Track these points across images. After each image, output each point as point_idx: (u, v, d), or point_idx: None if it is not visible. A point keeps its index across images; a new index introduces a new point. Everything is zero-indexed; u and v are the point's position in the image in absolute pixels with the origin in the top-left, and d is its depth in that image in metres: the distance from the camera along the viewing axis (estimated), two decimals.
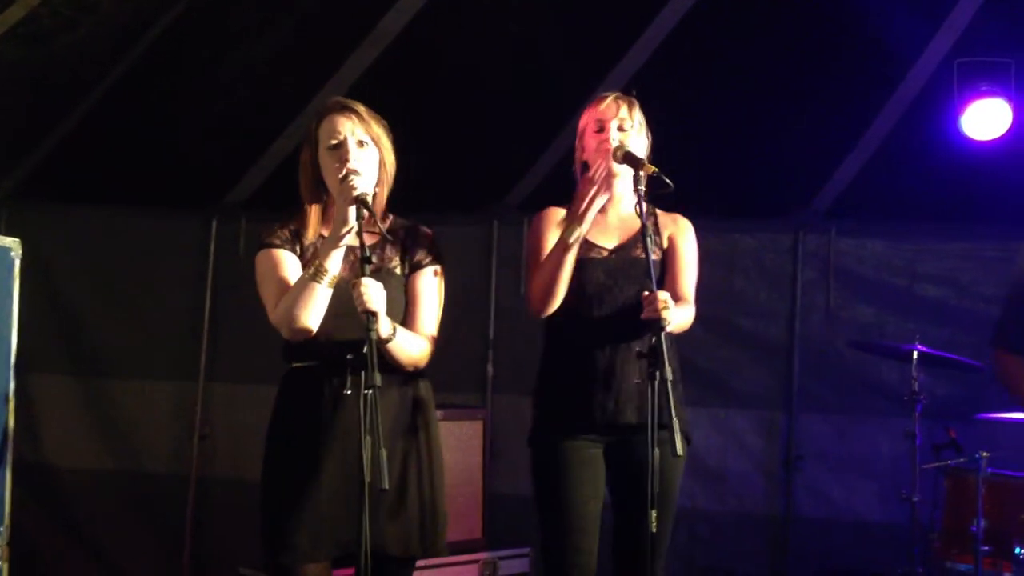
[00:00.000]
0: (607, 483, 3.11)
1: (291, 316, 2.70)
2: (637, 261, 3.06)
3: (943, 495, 4.25)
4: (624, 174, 3.05)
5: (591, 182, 2.96)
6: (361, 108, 2.85)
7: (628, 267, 3.07)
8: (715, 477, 5.26)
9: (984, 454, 4.04)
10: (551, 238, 3.07)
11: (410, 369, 2.84)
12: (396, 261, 2.88)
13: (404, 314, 2.85)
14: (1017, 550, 3.97)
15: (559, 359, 3.13)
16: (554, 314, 3.08)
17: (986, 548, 4.00)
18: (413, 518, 2.81)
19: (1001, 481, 4.06)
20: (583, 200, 2.95)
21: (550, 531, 3.06)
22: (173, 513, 5.30)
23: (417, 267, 2.89)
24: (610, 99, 3.11)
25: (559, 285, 2.99)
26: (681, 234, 3.19)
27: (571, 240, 2.96)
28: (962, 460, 4.18)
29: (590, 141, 3.10)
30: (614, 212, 3.15)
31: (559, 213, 3.13)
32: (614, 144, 3.04)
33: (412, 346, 2.82)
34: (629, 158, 2.99)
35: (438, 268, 2.92)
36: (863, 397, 5.16)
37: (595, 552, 3.04)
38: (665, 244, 3.17)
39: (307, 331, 2.72)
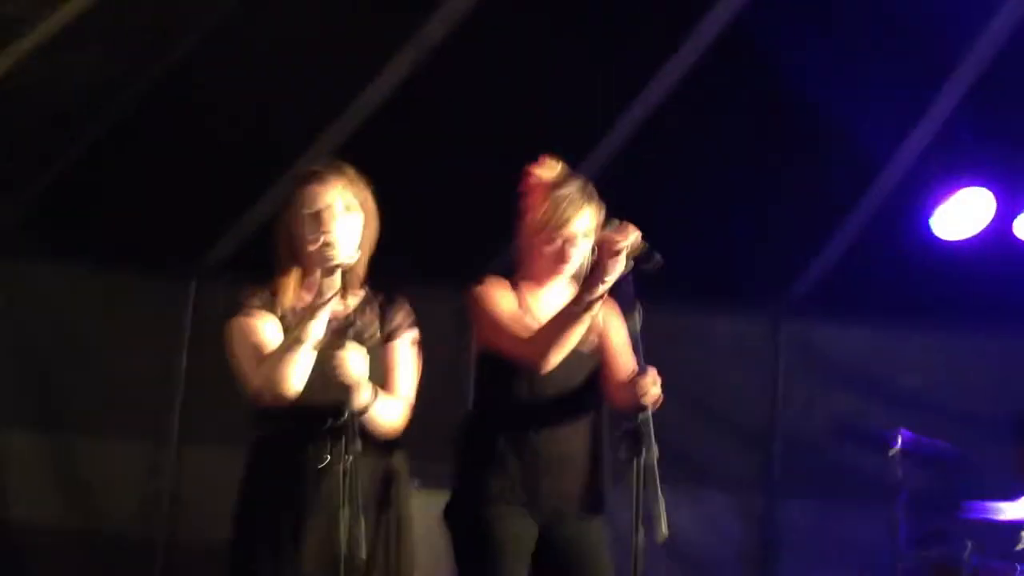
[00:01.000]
0: (536, 558, 2.99)
1: (275, 379, 2.62)
2: (586, 342, 2.99)
3: None
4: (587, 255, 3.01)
5: (602, 268, 2.83)
6: (349, 171, 2.82)
7: (579, 347, 2.96)
8: (691, 561, 5.15)
9: (969, 544, 3.98)
10: (513, 303, 3.02)
11: (388, 435, 2.77)
12: (374, 329, 2.83)
13: (382, 381, 2.80)
14: None
15: (496, 434, 3.00)
16: (491, 386, 3.04)
17: None
18: None
19: (986, 573, 3.99)
20: (594, 285, 2.84)
21: None
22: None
23: (394, 334, 2.85)
24: (573, 192, 3.03)
25: (566, 350, 2.90)
26: (614, 320, 3.11)
27: (583, 315, 2.85)
28: (946, 551, 4.12)
29: (544, 234, 3.00)
30: (554, 291, 3.09)
31: (502, 284, 3.07)
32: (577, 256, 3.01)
33: (390, 411, 2.77)
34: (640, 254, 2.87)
35: (415, 335, 2.89)
36: (844, 484, 5.11)
37: None
38: (603, 331, 3.10)
39: (292, 394, 2.64)
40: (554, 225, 3.02)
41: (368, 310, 2.84)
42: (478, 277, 5.34)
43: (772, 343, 5.36)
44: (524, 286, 3.08)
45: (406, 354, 2.86)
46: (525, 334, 2.95)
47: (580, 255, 3.03)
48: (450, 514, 3.03)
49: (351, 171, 2.83)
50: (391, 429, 2.77)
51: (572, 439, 2.99)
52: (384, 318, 2.85)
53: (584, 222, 3.02)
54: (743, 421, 5.32)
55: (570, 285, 3.08)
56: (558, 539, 2.98)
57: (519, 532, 2.94)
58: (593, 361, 3.06)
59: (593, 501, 3.01)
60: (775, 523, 5.18)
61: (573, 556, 2.97)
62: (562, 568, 2.98)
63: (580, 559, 2.98)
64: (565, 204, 3.02)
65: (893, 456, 4.25)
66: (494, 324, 3.01)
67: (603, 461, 2.74)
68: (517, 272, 3.12)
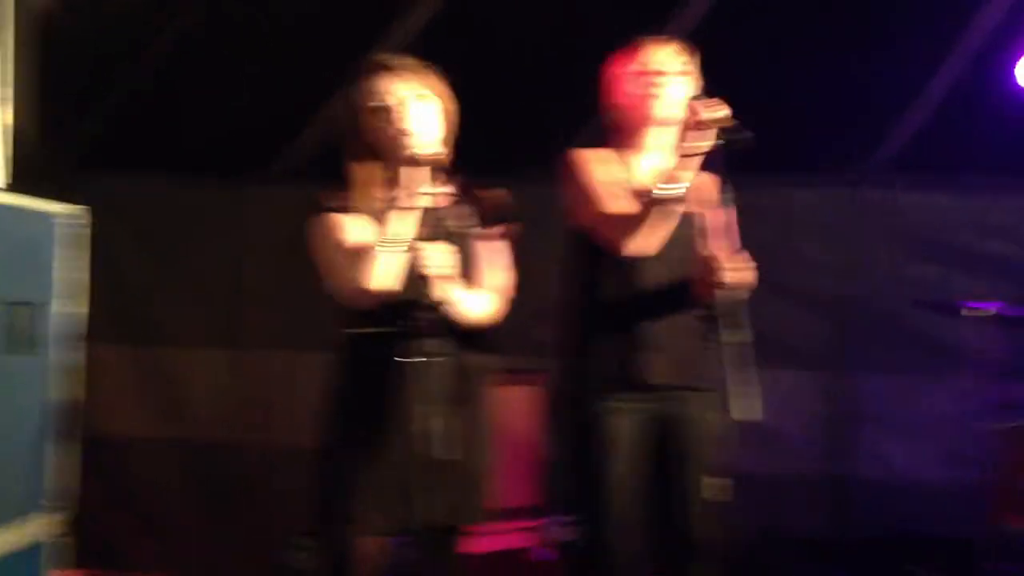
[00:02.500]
0: (649, 451, 3.01)
1: (360, 280, 2.62)
2: (686, 220, 2.94)
3: (1008, 456, 4.15)
4: (679, 122, 2.92)
5: (689, 139, 2.79)
6: (409, 62, 2.78)
7: (677, 225, 2.92)
8: (771, 438, 5.18)
9: None
10: (603, 174, 2.96)
11: (480, 328, 2.78)
12: (466, 221, 2.81)
13: (474, 275, 2.80)
14: None
15: (600, 321, 3.00)
16: (589, 267, 2.99)
17: None
18: (454, 487, 2.76)
19: None
20: (685, 158, 2.80)
21: (594, 504, 2.98)
22: (229, 482, 5.32)
23: (489, 223, 2.84)
24: (656, 44, 3.01)
25: (651, 234, 2.85)
26: (717, 196, 3.05)
27: (663, 196, 2.79)
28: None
29: (631, 87, 2.99)
30: (650, 159, 3.03)
31: (595, 153, 3.02)
32: (675, 95, 2.93)
33: (480, 305, 2.77)
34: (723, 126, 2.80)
35: (509, 228, 2.86)
36: (925, 356, 5.05)
37: (639, 525, 2.96)
38: (706, 210, 3.05)
39: (376, 295, 2.64)
40: (640, 66, 2.97)
41: (459, 203, 2.82)
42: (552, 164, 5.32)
43: (852, 212, 5.24)
44: (618, 156, 3.03)
45: (499, 248, 2.85)
46: (611, 208, 2.89)
47: (670, 96, 2.94)
48: (560, 409, 3.06)
49: (416, 62, 2.79)
50: (482, 322, 2.78)
51: (676, 312, 2.95)
52: (478, 208, 2.83)
53: (669, 60, 2.95)
54: (823, 295, 5.25)
55: (669, 154, 2.96)
56: (668, 420, 2.97)
57: (625, 429, 2.94)
58: (696, 226, 2.98)
59: (701, 375, 2.97)
60: (855, 396, 5.16)
61: (680, 436, 2.96)
62: (671, 449, 2.98)
63: (680, 436, 2.97)
64: (646, 46, 3.00)
65: (974, 325, 4.19)
66: (580, 196, 2.96)
67: (711, 339, 2.70)
68: (610, 144, 3.06)
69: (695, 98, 2.86)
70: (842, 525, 5.10)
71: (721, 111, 2.77)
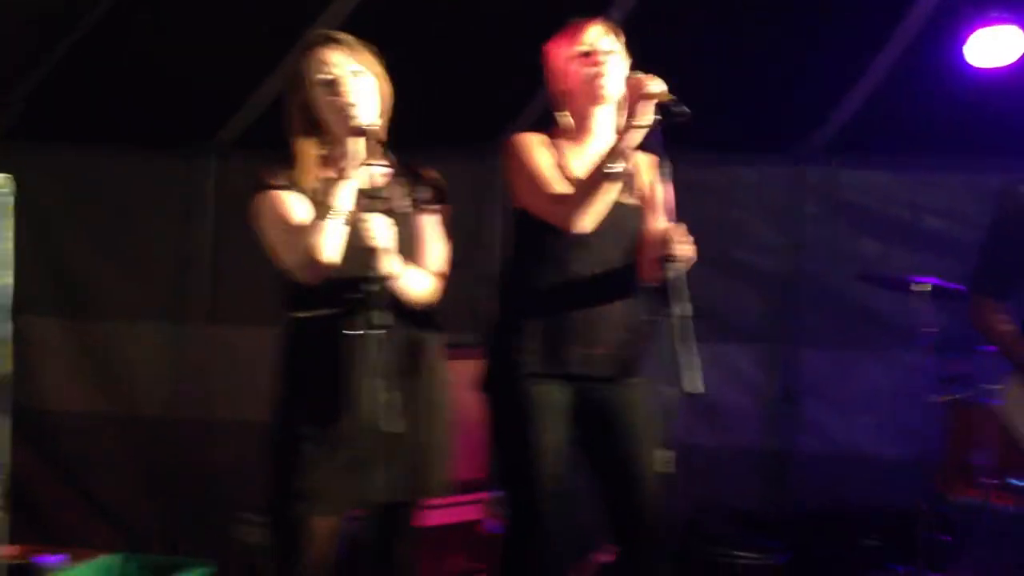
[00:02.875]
0: (578, 428, 3.02)
1: (311, 252, 2.61)
2: (623, 206, 2.96)
3: (947, 428, 4.24)
4: (620, 99, 2.94)
5: (630, 114, 2.81)
6: (349, 38, 2.78)
7: (615, 211, 2.93)
8: (713, 412, 5.25)
9: (989, 386, 4.01)
10: (547, 160, 2.97)
11: (418, 307, 2.78)
12: (404, 199, 2.82)
13: (412, 252, 2.80)
14: (1014, 482, 3.97)
15: (531, 303, 3.00)
16: (526, 254, 3.01)
17: (990, 481, 3.99)
18: (406, 463, 2.76)
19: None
20: (625, 133, 2.81)
21: (518, 479, 2.98)
22: (170, 457, 5.27)
23: (424, 205, 2.84)
24: (597, 25, 3.01)
25: (599, 210, 2.86)
26: (655, 177, 3.06)
27: (609, 171, 2.80)
28: (966, 393, 4.16)
29: (576, 68, 2.98)
30: (595, 143, 3.02)
31: (539, 137, 3.02)
32: (612, 73, 2.94)
33: (419, 283, 2.78)
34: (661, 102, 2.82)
35: (444, 207, 2.88)
36: (865, 330, 5.14)
37: (554, 488, 2.97)
38: (647, 190, 3.06)
39: (328, 266, 2.63)
40: (579, 48, 2.97)
41: (396, 180, 2.82)
42: (500, 139, 5.30)
43: (795, 190, 5.31)
44: (563, 144, 3.03)
45: (435, 224, 2.85)
46: (556, 190, 2.91)
47: (612, 75, 2.95)
48: (486, 384, 3.04)
49: (351, 38, 2.79)
50: (421, 299, 2.78)
51: (611, 302, 2.96)
52: (414, 188, 2.83)
53: (607, 40, 2.97)
54: (765, 271, 5.31)
55: (613, 132, 2.98)
56: (593, 402, 2.99)
57: (555, 397, 2.95)
58: (636, 219, 3.01)
59: (630, 366, 3.00)
60: (798, 372, 5.23)
61: (608, 418, 2.98)
62: (598, 429, 2.99)
63: (615, 421, 2.99)
64: (585, 27, 2.99)
65: (915, 299, 4.26)
66: (526, 178, 2.96)
67: (643, 324, 2.72)
68: (554, 129, 3.06)
69: (632, 74, 2.88)
70: (784, 497, 5.19)
71: (661, 85, 2.79)
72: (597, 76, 2.96)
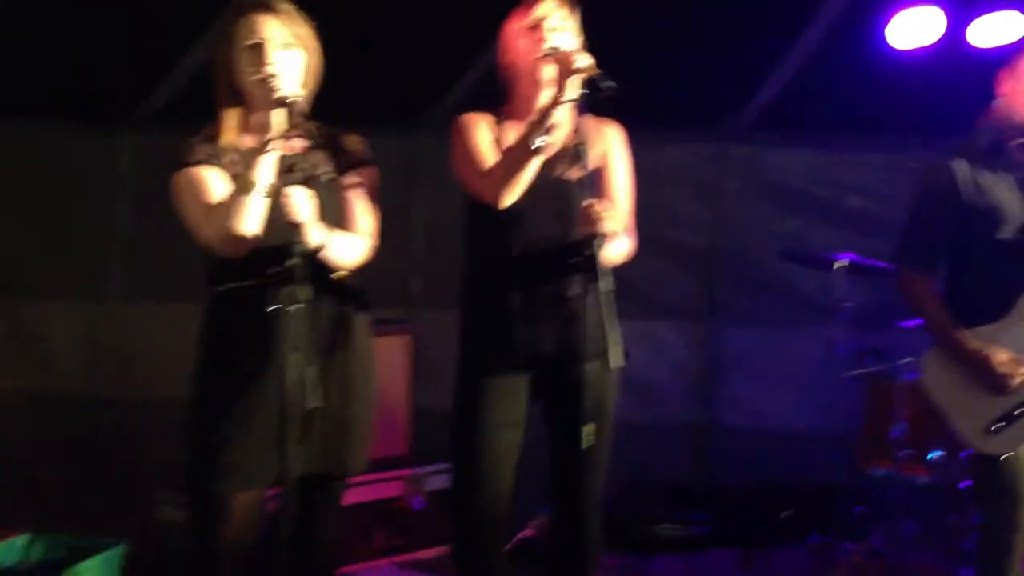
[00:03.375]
0: (540, 411, 3.03)
1: (229, 226, 2.56)
2: (561, 181, 2.92)
3: (864, 402, 4.32)
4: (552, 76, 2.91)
5: (557, 88, 2.78)
6: (286, 6, 2.72)
7: (552, 186, 2.91)
8: (638, 388, 5.28)
9: (904, 361, 4.10)
10: (485, 139, 2.95)
11: (349, 274, 2.76)
12: (327, 167, 2.78)
13: (340, 217, 2.77)
14: (930, 455, 4.06)
15: (477, 289, 3.01)
16: (471, 239, 3.00)
17: (905, 453, 4.08)
18: (329, 436, 2.72)
19: (920, 386, 4.11)
20: (547, 106, 2.79)
21: (458, 461, 2.98)
22: (89, 436, 5.18)
23: (348, 168, 2.81)
24: (549, 1, 2.95)
25: (522, 183, 2.84)
26: (613, 148, 3.05)
27: (535, 146, 2.78)
28: (883, 367, 4.25)
29: (521, 42, 2.95)
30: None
31: (481, 117, 2.99)
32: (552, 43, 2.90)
33: (349, 248, 2.74)
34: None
35: (370, 170, 2.84)
36: (788, 307, 5.23)
37: (507, 480, 2.97)
38: (598, 161, 3.01)
39: (247, 240, 2.58)
40: (526, 20, 2.94)
41: (318, 148, 2.78)
42: (427, 118, 5.27)
43: (719, 169, 5.36)
44: (508, 123, 2.99)
45: (361, 189, 2.81)
46: (485, 167, 2.88)
47: (558, 46, 2.88)
48: (456, 368, 3.02)
49: (288, 6, 2.73)
50: (351, 266, 2.75)
51: (557, 278, 2.93)
52: (336, 154, 2.79)
53: (558, 15, 2.93)
54: (689, 248, 5.37)
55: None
56: (553, 381, 2.97)
57: (507, 386, 2.94)
58: (579, 194, 2.90)
59: (584, 344, 2.91)
60: (720, 347, 5.30)
61: (568, 396, 2.95)
62: (561, 408, 2.98)
63: (567, 400, 2.94)
64: (540, 2, 2.95)
65: (836, 276, 4.33)
66: (462, 158, 2.94)
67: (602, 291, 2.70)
68: (502, 106, 3.03)
69: (558, 48, 2.86)
70: (707, 471, 5.26)
71: (588, 60, 2.79)
72: (535, 53, 2.94)
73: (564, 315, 2.93)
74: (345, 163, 2.81)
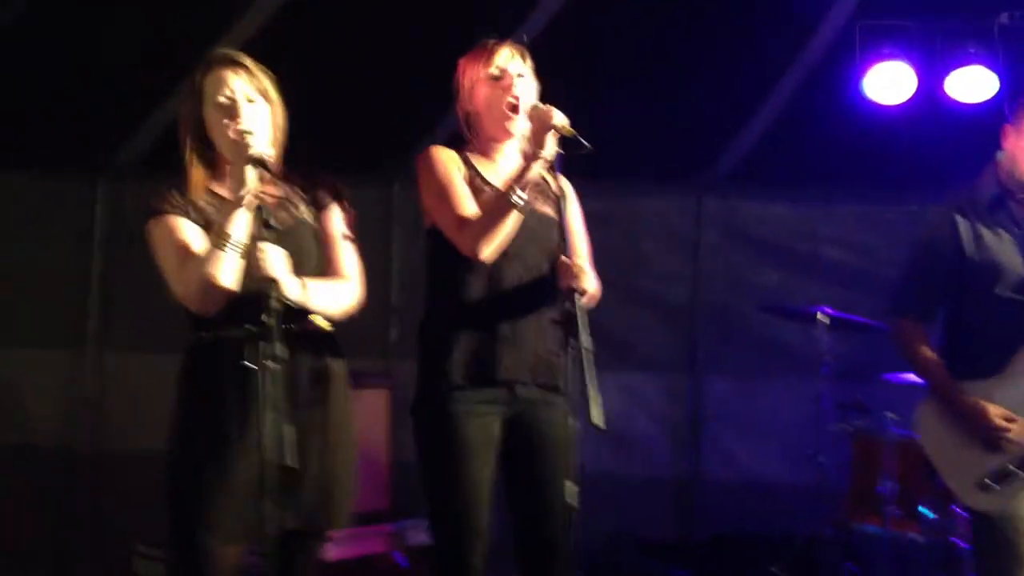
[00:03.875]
0: (502, 454, 2.95)
1: (204, 282, 2.52)
2: (544, 218, 2.92)
3: (850, 457, 4.30)
4: (526, 127, 2.90)
5: (535, 144, 2.77)
6: (249, 62, 2.71)
7: (536, 224, 2.90)
8: (620, 441, 5.25)
9: (890, 415, 4.08)
10: (458, 176, 2.92)
11: (340, 318, 2.71)
12: (303, 209, 2.74)
13: (322, 261, 2.73)
14: (921, 509, 4.03)
15: (455, 319, 2.92)
16: (448, 267, 2.92)
17: (893, 510, 4.05)
18: (310, 493, 2.66)
19: (907, 442, 4.11)
20: (528, 163, 2.78)
21: (445, 509, 2.90)
22: (64, 488, 5.09)
23: (323, 207, 2.77)
24: (506, 47, 2.96)
25: (504, 240, 2.82)
26: (571, 205, 3.04)
27: (516, 202, 2.78)
28: (868, 422, 4.23)
29: (484, 90, 2.95)
30: (505, 163, 2.99)
31: (451, 154, 2.96)
32: (528, 99, 2.91)
33: (336, 295, 2.71)
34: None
35: (344, 204, 2.81)
36: (768, 359, 5.22)
37: (488, 528, 2.91)
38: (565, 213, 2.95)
39: (220, 295, 2.54)
40: (488, 69, 2.94)
41: (291, 195, 2.74)
42: (400, 167, 5.23)
43: (696, 221, 5.38)
44: (474, 159, 2.97)
45: (339, 224, 2.78)
46: (463, 212, 2.86)
47: (524, 96, 2.90)
48: (416, 410, 2.96)
49: (251, 61, 2.71)
50: (343, 309, 2.71)
51: (536, 311, 2.89)
52: (309, 194, 2.77)
53: (517, 63, 2.95)
54: (668, 300, 5.37)
55: (519, 158, 2.92)
56: (523, 419, 2.92)
57: (485, 430, 2.88)
58: (554, 229, 2.89)
59: (558, 375, 2.89)
60: (701, 399, 5.28)
61: (537, 440, 2.91)
62: (527, 452, 2.93)
63: (540, 441, 2.92)
64: (497, 49, 2.95)
65: (816, 329, 4.33)
66: (435, 196, 2.90)
67: (582, 347, 2.66)
68: (466, 146, 3.01)
69: (536, 105, 2.86)
70: (690, 525, 5.21)
71: (564, 119, 2.79)
72: (506, 99, 2.94)
73: (536, 356, 2.90)
74: (319, 200, 2.78)
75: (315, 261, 2.70)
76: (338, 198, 2.81)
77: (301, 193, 2.77)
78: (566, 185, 2.99)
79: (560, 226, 2.78)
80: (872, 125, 5.00)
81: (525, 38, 3.04)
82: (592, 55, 5.05)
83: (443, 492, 2.90)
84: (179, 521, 2.62)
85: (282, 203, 2.72)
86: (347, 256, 2.79)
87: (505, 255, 2.88)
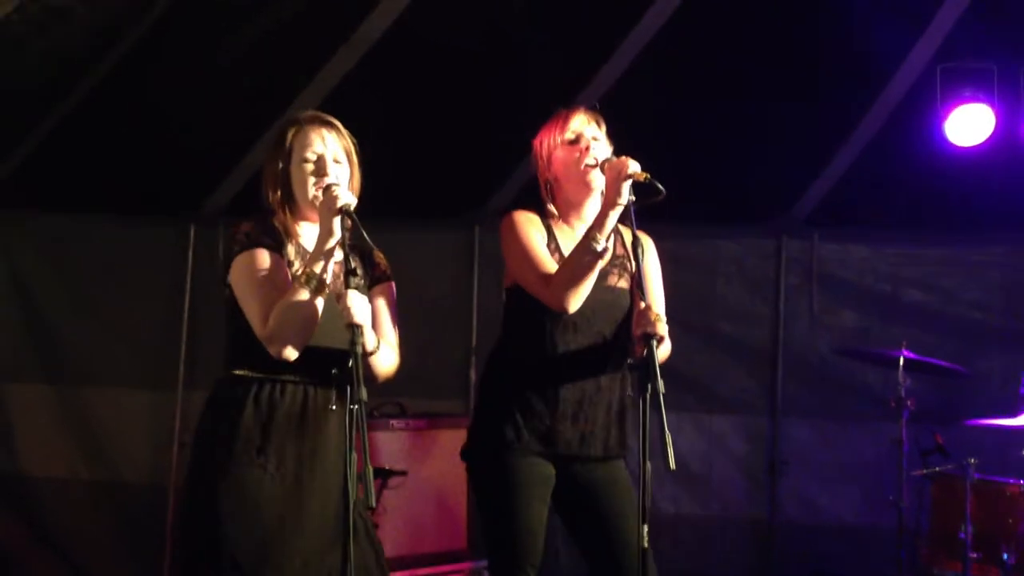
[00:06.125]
0: (557, 504, 3.03)
1: (286, 332, 2.60)
2: (613, 290, 3.01)
3: (930, 501, 4.26)
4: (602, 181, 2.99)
5: (611, 194, 2.86)
6: (338, 123, 2.81)
7: (604, 295, 2.98)
8: (699, 482, 5.25)
9: (972, 460, 4.03)
10: (539, 238, 3.02)
11: (381, 381, 2.79)
12: (361, 275, 2.84)
13: (375, 325, 2.80)
14: (1005, 556, 3.97)
15: (520, 380, 3.01)
16: (516, 331, 3.04)
17: (974, 555, 4.00)
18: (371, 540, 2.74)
19: (988, 487, 4.06)
20: (605, 210, 2.87)
21: (504, 550, 2.97)
22: (151, 524, 5.23)
23: (378, 280, 2.87)
24: (580, 113, 3.08)
25: (587, 288, 2.91)
26: (648, 256, 3.11)
27: (597, 248, 2.86)
28: (949, 466, 4.18)
29: (561, 154, 3.05)
30: (581, 227, 3.07)
31: (532, 217, 3.06)
32: (601, 155, 3.00)
33: (389, 359, 2.80)
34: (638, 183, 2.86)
35: (392, 282, 2.91)
36: (847, 402, 5.18)
37: (539, 560, 2.97)
38: (638, 268, 3.01)
39: (296, 350, 2.62)
40: (564, 135, 3.04)
41: (357, 260, 2.82)
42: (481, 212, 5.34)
43: (776, 263, 5.37)
44: (554, 223, 3.07)
45: (390, 299, 2.88)
46: (546, 270, 2.95)
47: (600, 157, 3.00)
48: (470, 454, 3.05)
49: (339, 124, 2.81)
50: (388, 374, 2.79)
51: (598, 383, 2.98)
52: (365, 265, 2.86)
53: (593, 128, 3.05)
54: (747, 342, 5.35)
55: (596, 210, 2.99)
56: (579, 479, 2.99)
57: (539, 472, 2.96)
58: (626, 301, 3.02)
59: (615, 445, 3.01)
60: (781, 443, 5.25)
61: (594, 495, 2.98)
62: (584, 506, 2.99)
63: (601, 497, 2.98)
64: (571, 116, 3.06)
65: (896, 372, 4.30)
66: (519, 257, 3.00)
67: (628, 405, 2.73)
68: (546, 210, 3.10)
69: (609, 156, 2.97)
70: (769, 567, 5.17)
71: (636, 166, 2.86)
72: (583, 163, 3.02)
73: (609, 417, 2.99)
74: (374, 272, 2.88)
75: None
76: (390, 275, 2.90)
77: (359, 261, 2.84)
78: (645, 239, 3.07)
79: (632, 289, 2.85)
80: (953, 167, 4.98)
81: (597, 105, 3.14)
82: (672, 99, 5.11)
83: (495, 527, 2.98)
84: (206, 562, 2.61)
85: (353, 260, 2.81)
86: (391, 328, 2.86)
87: (574, 325, 2.97)
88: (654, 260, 3.14)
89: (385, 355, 2.77)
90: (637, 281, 2.85)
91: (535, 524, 2.95)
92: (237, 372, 2.69)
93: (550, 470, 2.99)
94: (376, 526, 2.64)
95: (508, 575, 2.96)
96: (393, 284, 2.90)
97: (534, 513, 2.95)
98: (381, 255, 2.90)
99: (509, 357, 3.06)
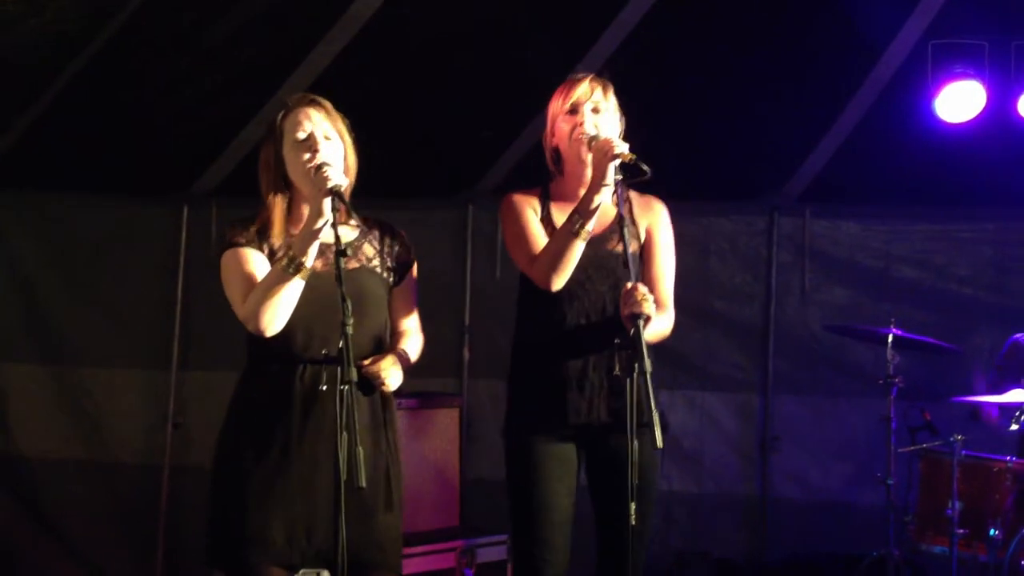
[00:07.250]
0: (585, 477, 3.07)
1: (260, 310, 2.64)
2: (612, 255, 2.99)
3: (918, 478, 4.28)
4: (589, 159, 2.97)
5: (596, 175, 2.87)
6: (326, 103, 2.82)
7: (603, 261, 2.99)
8: (691, 460, 5.28)
9: (959, 437, 4.06)
10: (532, 219, 3.03)
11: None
12: (374, 258, 2.85)
13: (393, 312, 2.87)
14: (992, 532, 4.00)
15: (529, 359, 3.06)
16: (524, 311, 3.07)
17: (961, 531, 4.03)
18: (393, 523, 2.79)
19: (976, 464, 4.09)
20: (590, 193, 2.88)
21: (521, 527, 3.03)
22: (145, 503, 5.26)
23: (404, 268, 2.89)
24: (584, 81, 3.03)
25: (569, 268, 2.92)
26: (658, 224, 3.10)
27: (579, 231, 2.87)
28: (937, 443, 4.21)
29: (562, 126, 3.03)
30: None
31: (528, 198, 3.07)
32: (590, 131, 2.97)
33: (417, 349, 2.89)
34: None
35: (415, 263, 2.94)
36: (838, 379, 5.20)
37: (567, 547, 3.01)
38: (643, 236, 3.07)
39: (275, 326, 2.66)
40: (566, 104, 3.01)
41: (366, 240, 2.85)
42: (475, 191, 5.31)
43: (768, 240, 5.38)
44: (554, 204, 3.07)
45: (414, 286, 2.92)
46: (536, 249, 2.96)
47: (598, 130, 2.96)
48: (504, 434, 3.12)
49: (329, 104, 2.83)
50: (412, 361, 2.88)
51: (604, 348, 2.97)
52: (385, 248, 2.88)
53: (597, 97, 3.01)
54: (739, 319, 5.37)
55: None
56: (601, 454, 3.02)
57: (559, 453, 3.00)
58: (627, 271, 2.93)
59: (620, 413, 2.95)
60: (772, 419, 5.28)
61: (620, 468, 2.94)
62: (609, 482, 2.99)
63: (613, 473, 2.95)
64: (576, 84, 3.03)
65: (886, 349, 4.31)
66: (512, 239, 3.04)
67: (644, 371, 2.73)
68: (548, 187, 3.11)
69: (594, 136, 2.94)
70: (761, 544, 5.21)
71: (623, 146, 2.86)
72: (580, 136, 2.99)
73: (613, 387, 2.98)
74: (399, 259, 2.89)
75: (377, 306, 2.82)
76: (414, 259, 2.93)
77: (376, 242, 2.87)
78: (659, 205, 3.09)
79: (625, 257, 2.86)
80: (944, 143, 4.98)
81: (607, 74, 3.10)
82: (663, 76, 5.10)
83: (512, 509, 3.03)
84: (228, 537, 2.74)
85: (356, 243, 2.83)
86: (416, 314, 2.94)
87: (570, 295, 2.97)
88: (666, 229, 3.12)
89: (415, 348, 2.88)
90: (624, 260, 2.85)
91: (554, 499, 2.98)
92: (249, 360, 2.79)
93: (571, 453, 3.02)
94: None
95: (527, 552, 3.00)
96: (415, 265, 2.94)
97: (553, 488, 2.98)
98: (404, 238, 2.92)
99: (522, 336, 3.11)
